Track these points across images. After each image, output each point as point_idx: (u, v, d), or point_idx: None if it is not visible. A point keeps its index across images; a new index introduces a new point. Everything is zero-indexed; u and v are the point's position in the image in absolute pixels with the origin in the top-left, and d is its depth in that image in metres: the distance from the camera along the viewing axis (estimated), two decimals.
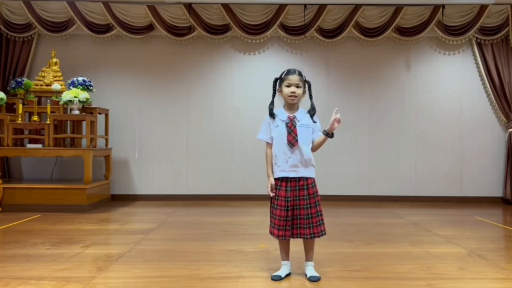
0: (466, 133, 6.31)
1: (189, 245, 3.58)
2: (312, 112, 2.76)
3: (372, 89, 6.37)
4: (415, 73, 6.36)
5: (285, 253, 2.79)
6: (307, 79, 2.78)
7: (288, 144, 2.67)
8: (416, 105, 6.35)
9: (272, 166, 2.77)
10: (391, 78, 6.37)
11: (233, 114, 6.33)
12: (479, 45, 6.22)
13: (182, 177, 6.33)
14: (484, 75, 6.21)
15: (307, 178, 2.70)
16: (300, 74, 2.73)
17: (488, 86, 6.20)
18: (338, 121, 2.63)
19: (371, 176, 6.32)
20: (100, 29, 6.12)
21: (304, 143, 2.69)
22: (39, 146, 5.44)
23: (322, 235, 2.67)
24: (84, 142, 5.71)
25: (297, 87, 2.70)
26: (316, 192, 2.72)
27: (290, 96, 2.69)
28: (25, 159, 6.20)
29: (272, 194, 2.75)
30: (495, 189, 6.27)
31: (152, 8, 6.05)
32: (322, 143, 2.75)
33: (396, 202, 6.17)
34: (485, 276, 2.80)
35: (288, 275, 2.75)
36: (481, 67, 6.21)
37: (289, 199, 2.66)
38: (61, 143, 5.69)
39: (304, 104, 2.82)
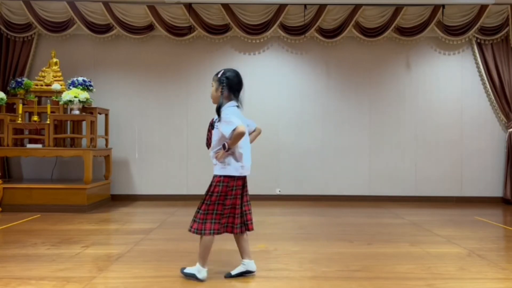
0: (466, 133, 6.31)
1: (189, 245, 3.58)
2: (217, 109, 2.71)
3: (372, 89, 6.37)
4: (415, 73, 6.36)
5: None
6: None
7: (206, 144, 2.84)
8: (416, 105, 6.35)
9: None
10: (391, 78, 6.37)
11: None
12: (479, 45, 6.22)
13: (182, 177, 6.32)
14: (484, 75, 6.21)
15: (214, 176, 2.68)
16: (216, 74, 2.77)
17: (488, 86, 6.20)
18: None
19: (371, 176, 6.32)
20: (100, 29, 6.12)
21: (213, 142, 2.72)
22: (39, 146, 5.44)
23: (192, 231, 2.64)
24: (84, 142, 5.71)
25: (212, 86, 2.76)
26: (211, 190, 2.64)
27: None
28: (25, 159, 6.20)
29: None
30: (495, 189, 6.27)
31: (152, 8, 6.05)
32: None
33: (396, 202, 6.17)
34: (485, 276, 2.80)
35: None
36: (481, 67, 6.21)
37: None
38: (61, 143, 5.69)
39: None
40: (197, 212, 2.65)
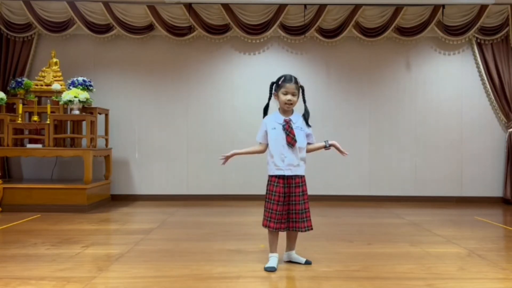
0: (466, 133, 6.31)
1: (189, 245, 3.58)
2: (306, 115, 2.97)
3: (372, 89, 6.37)
4: (415, 73, 6.36)
5: (275, 245, 2.97)
6: (302, 83, 2.97)
7: (287, 144, 2.86)
8: (416, 105, 6.34)
9: (246, 150, 3.07)
10: (391, 78, 6.37)
11: (233, 114, 6.33)
12: (479, 45, 6.22)
13: (182, 177, 6.32)
14: (484, 75, 6.21)
15: (300, 176, 2.91)
16: (296, 81, 2.93)
17: (488, 86, 6.20)
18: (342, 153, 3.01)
19: (371, 176, 6.32)
20: (100, 29, 6.12)
21: (300, 144, 2.90)
22: (39, 146, 5.44)
23: (312, 229, 2.91)
24: (84, 142, 5.71)
25: (293, 95, 2.92)
26: (306, 190, 2.93)
27: (286, 103, 2.92)
28: (25, 159, 6.20)
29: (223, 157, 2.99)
30: (495, 189, 6.27)
31: (152, 8, 6.05)
32: (317, 149, 3.04)
33: (396, 202, 6.17)
34: (485, 276, 2.80)
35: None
36: (481, 67, 6.21)
37: (285, 195, 2.86)
38: (61, 143, 5.69)
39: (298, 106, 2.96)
40: (308, 211, 2.89)
